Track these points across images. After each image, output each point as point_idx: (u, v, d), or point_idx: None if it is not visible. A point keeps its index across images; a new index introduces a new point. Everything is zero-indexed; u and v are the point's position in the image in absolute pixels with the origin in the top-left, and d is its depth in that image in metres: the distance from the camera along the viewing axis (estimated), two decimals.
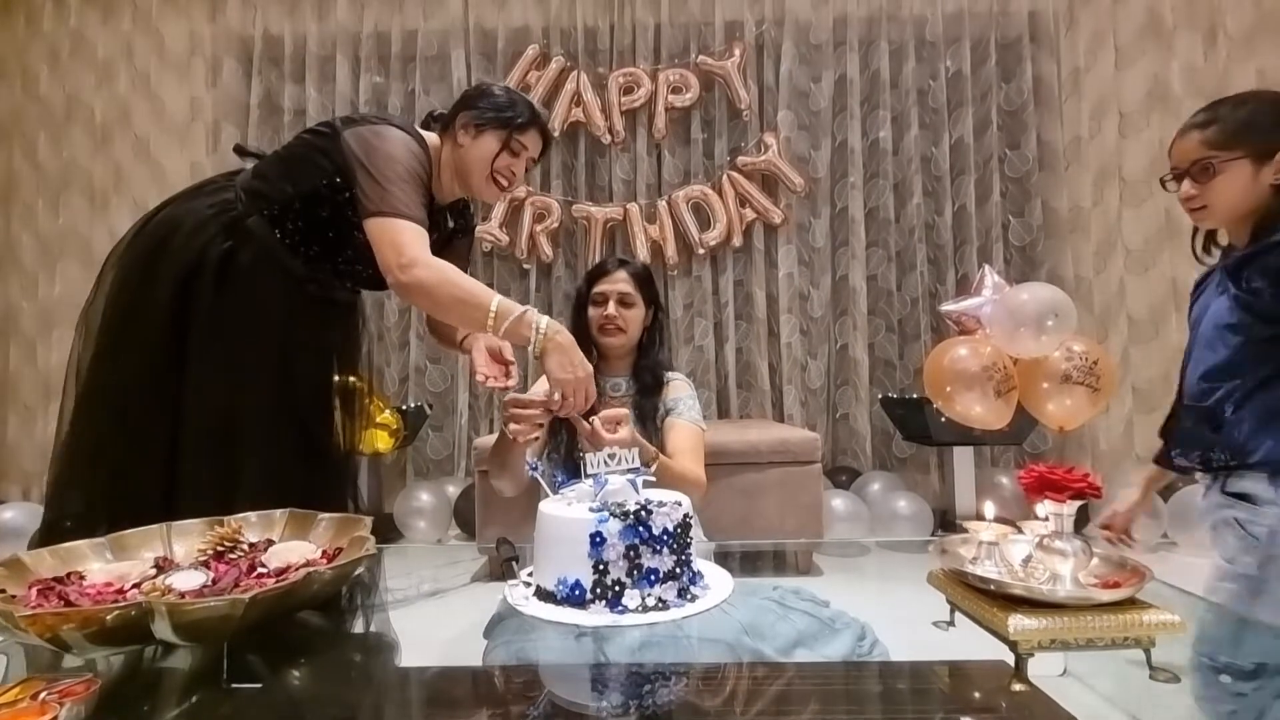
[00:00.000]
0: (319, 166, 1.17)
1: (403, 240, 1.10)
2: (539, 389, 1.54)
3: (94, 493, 1.13)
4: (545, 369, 1.11)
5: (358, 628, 1.07)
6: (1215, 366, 1.11)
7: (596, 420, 1.19)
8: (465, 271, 1.39)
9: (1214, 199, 1.09)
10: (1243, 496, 1.09)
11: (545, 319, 1.09)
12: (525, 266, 3.29)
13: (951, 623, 0.84)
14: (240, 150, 1.36)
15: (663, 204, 3.24)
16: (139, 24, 3.42)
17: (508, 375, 1.24)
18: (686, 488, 1.35)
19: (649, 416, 1.44)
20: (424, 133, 1.28)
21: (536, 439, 1.24)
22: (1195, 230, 1.20)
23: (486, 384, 1.23)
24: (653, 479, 1.03)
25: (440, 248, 1.35)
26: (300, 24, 3.37)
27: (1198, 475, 1.18)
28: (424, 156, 1.20)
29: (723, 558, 1.12)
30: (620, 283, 1.46)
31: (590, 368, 1.12)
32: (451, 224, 1.39)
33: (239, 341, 1.18)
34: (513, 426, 1.18)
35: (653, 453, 1.31)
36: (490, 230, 3.25)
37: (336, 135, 1.17)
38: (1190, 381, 1.17)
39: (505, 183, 1.29)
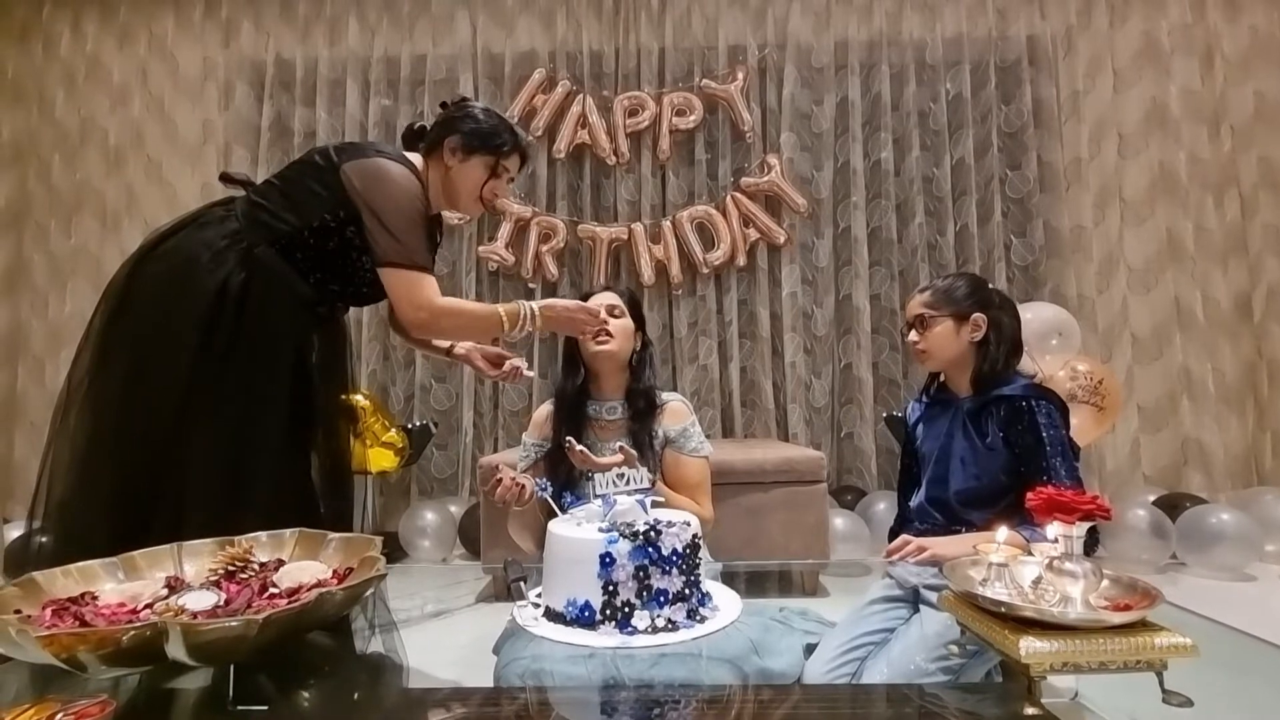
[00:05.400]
0: (319, 198, 1.20)
1: (418, 294, 1.22)
2: (541, 413, 1.55)
3: (109, 513, 1.14)
4: (558, 330, 1.35)
5: (364, 648, 1.07)
6: (966, 489, 1.32)
7: (582, 447, 1.25)
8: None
9: (930, 346, 1.39)
10: None
11: (534, 305, 1.30)
12: (530, 286, 3.31)
13: (964, 644, 0.84)
14: (226, 178, 1.37)
15: (667, 224, 3.27)
16: (154, 49, 3.49)
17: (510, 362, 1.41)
18: None
19: (643, 441, 1.41)
20: (410, 156, 1.32)
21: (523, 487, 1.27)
22: (927, 377, 1.51)
23: (519, 376, 1.39)
24: (661, 499, 1.04)
25: None
26: (312, 49, 3.44)
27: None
28: (420, 191, 1.26)
29: (729, 578, 1.12)
30: (607, 297, 1.50)
31: (577, 302, 1.35)
32: (440, 238, 1.46)
33: (256, 367, 1.20)
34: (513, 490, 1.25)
35: (650, 480, 1.31)
36: (496, 250, 3.28)
37: (335, 169, 1.20)
38: (932, 497, 1.36)
39: (489, 203, 1.37)
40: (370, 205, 1.18)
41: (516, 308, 1.27)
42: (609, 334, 1.43)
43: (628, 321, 1.47)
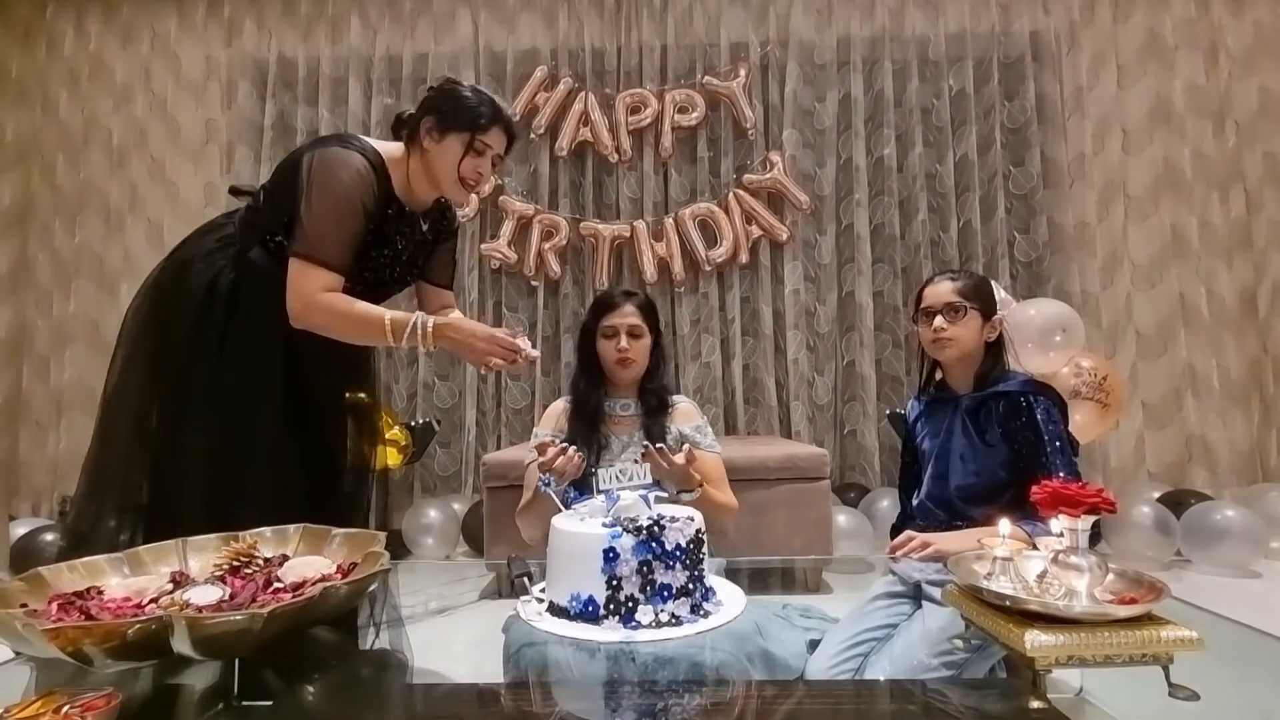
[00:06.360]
0: (292, 193, 1.20)
1: (302, 283, 1.17)
2: (556, 408, 1.55)
3: (116, 512, 1.16)
4: (458, 354, 1.25)
5: (368, 644, 1.08)
6: (967, 485, 1.32)
7: (661, 445, 1.24)
8: (451, 274, 1.49)
9: (958, 335, 1.35)
10: None
11: (429, 320, 1.20)
12: (533, 284, 3.32)
13: (968, 639, 0.84)
14: (235, 191, 1.40)
15: (669, 221, 3.27)
16: (157, 49, 3.49)
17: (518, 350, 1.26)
18: (726, 515, 1.40)
19: (656, 437, 1.44)
20: (385, 145, 1.29)
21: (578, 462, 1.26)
22: (923, 373, 1.50)
23: (526, 356, 1.25)
24: (664, 495, 1.04)
25: (421, 254, 1.40)
26: (314, 47, 3.44)
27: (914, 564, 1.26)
28: (372, 180, 1.22)
29: (732, 575, 1.12)
30: (629, 315, 1.47)
31: (486, 327, 1.24)
32: (426, 226, 1.39)
33: (249, 365, 1.21)
34: (558, 463, 1.22)
35: (697, 480, 1.32)
36: (498, 248, 3.28)
37: (301, 158, 1.21)
38: (934, 494, 1.37)
39: (473, 183, 1.30)
40: (303, 192, 1.17)
41: (406, 319, 1.19)
42: (631, 358, 1.45)
43: (647, 340, 1.48)
